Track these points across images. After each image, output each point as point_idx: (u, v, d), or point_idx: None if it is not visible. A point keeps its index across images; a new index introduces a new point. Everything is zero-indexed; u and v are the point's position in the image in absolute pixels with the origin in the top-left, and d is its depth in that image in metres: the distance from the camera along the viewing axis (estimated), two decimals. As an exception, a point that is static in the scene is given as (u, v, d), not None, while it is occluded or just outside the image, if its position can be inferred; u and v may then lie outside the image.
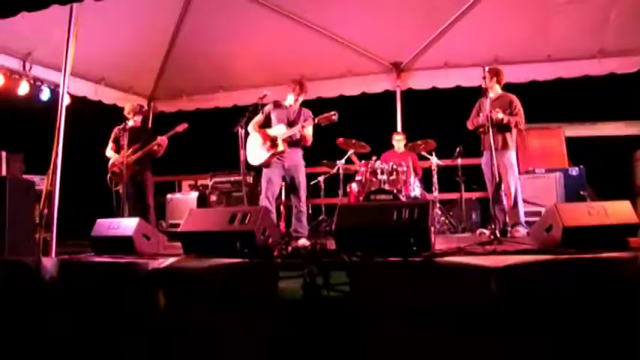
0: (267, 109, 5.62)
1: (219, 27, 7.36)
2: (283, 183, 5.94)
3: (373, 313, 2.91)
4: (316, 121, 5.42)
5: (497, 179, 5.43)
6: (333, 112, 5.40)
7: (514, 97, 5.73)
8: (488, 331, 2.69)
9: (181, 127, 6.24)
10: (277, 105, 5.62)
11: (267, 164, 5.47)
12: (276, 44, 7.52)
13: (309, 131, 5.51)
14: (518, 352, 2.66)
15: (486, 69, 5.06)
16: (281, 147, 5.39)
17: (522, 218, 5.57)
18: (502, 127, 5.57)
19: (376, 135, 7.75)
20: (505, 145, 5.62)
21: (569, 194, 6.77)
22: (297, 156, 5.54)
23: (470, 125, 5.90)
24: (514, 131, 5.69)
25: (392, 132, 7.74)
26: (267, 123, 5.66)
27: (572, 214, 3.26)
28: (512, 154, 5.66)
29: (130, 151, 6.05)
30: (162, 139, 6.18)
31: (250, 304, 3.14)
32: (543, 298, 2.69)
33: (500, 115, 5.47)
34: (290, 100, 5.62)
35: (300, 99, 5.62)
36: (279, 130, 5.47)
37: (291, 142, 5.47)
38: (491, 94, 5.76)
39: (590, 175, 7.03)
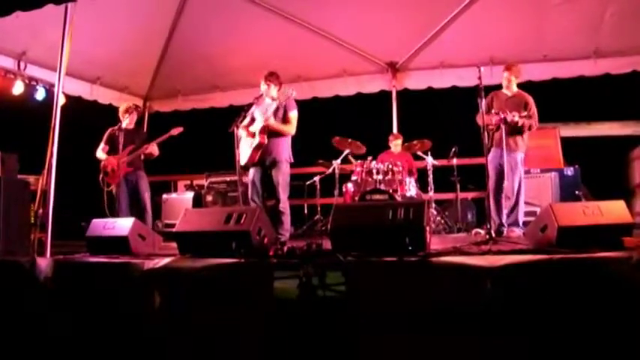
0: (251, 109, 5.45)
1: (215, 27, 7.35)
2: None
3: (369, 312, 2.91)
4: (280, 104, 5.28)
5: (501, 178, 5.38)
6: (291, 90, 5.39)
7: (530, 99, 5.63)
8: (483, 331, 2.69)
9: (176, 131, 6.21)
10: (258, 101, 5.45)
11: (251, 162, 5.32)
12: (271, 44, 7.51)
13: (280, 116, 5.31)
14: (512, 352, 2.67)
15: (482, 68, 4.94)
16: (257, 139, 5.23)
17: (520, 219, 5.53)
18: (515, 129, 5.49)
19: (372, 135, 7.75)
20: (515, 146, 5.54)
21: (565, 194, 6.79)
22: (277, 151, 5.30)
23: (480, 121, 5.74)
24: (526, 133, 5.60)
25: (388, 132, 7.75)
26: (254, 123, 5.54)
27: (567, 213, 3.27)
28: (520, 156, 5.58)
29: (124, 152, 6.04)
30: (153, 148, 6.15)
31: (246, 304, 3.14)
32: (538, 297, 2.70)
33: (517, 118, 5.37)
34: (266, 93, 5.46)
35: (272, 88, 5.42)
36: (257, 125, 5.35)
37: (271, 134, 5.28)
38: (507, 91, 5.71)
39: (585, 175, 7.06)
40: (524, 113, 5.50)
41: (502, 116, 5.29)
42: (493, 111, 5.46)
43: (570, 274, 2.71)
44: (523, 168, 5.67)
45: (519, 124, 5.43)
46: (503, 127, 5.29)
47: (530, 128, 5.54)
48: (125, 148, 6.06)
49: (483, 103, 4.95)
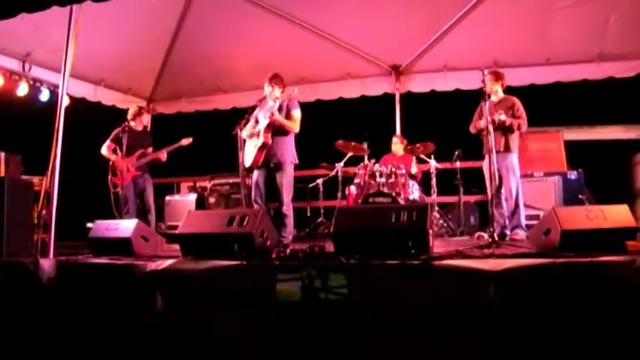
0: (254, 112, 5.45)
1: (219, 29, 7.37)
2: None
3: (371, 315, 2.91)
4: (282, 103, 5.31)
5: (498, 182, 5.42)
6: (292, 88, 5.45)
7: (516, 100, 5.71)
8: (486, 334, 2.69)
9: (186, 141, 6.33)
10: (261, 103, 5.46)
11: (256, 165, 5.33)
12: (275, 46, 7.51)
13: (283, 116, 5.32)
14: (515, 355, 2.66)
15: (485, 72, 5.01)
16: (262, 139, 5.23)
17: (523, 222, 5.54)
18: (505, 130, 5.56)
19: (375, 137, 7.74)
20: (507, 148, 5.59)
21: (568, 198, 6.77)
22: (282, 152, 5.30)
23: (472, 129, 5.86)
24: (516, 134, 5.66)
25: (391, 135, 7.74)
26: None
27: (570, 217, 3.26)
28: (514, 157, 5.63)
29: (134, 156, 6.10)
30: (163, 154, 6.28)
31: (248, 306, 3.14)
32: (541, 301, 2.69)
33: (503, 117, 5.47)
34: (270, 95, 5.45)
35: (276, 90, 5.41)
36: (261, 125, 5.35)
37: (275, 133, 5.28)
38: (494, 97, 5.77)
39: (588, 178, 7.03)
40: (511, 113, 5.59)
41: (490, 118, 5.33)
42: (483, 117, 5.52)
43: (573, 277, 2.71)
44: (519, 169, 5.71)
45: (507, 123, 5.51)
46: (492, 130, 5.32)
47: (519, 127, 5.60)
48: (131, 149, 6.14)
49: (487, 109, 4.99)
